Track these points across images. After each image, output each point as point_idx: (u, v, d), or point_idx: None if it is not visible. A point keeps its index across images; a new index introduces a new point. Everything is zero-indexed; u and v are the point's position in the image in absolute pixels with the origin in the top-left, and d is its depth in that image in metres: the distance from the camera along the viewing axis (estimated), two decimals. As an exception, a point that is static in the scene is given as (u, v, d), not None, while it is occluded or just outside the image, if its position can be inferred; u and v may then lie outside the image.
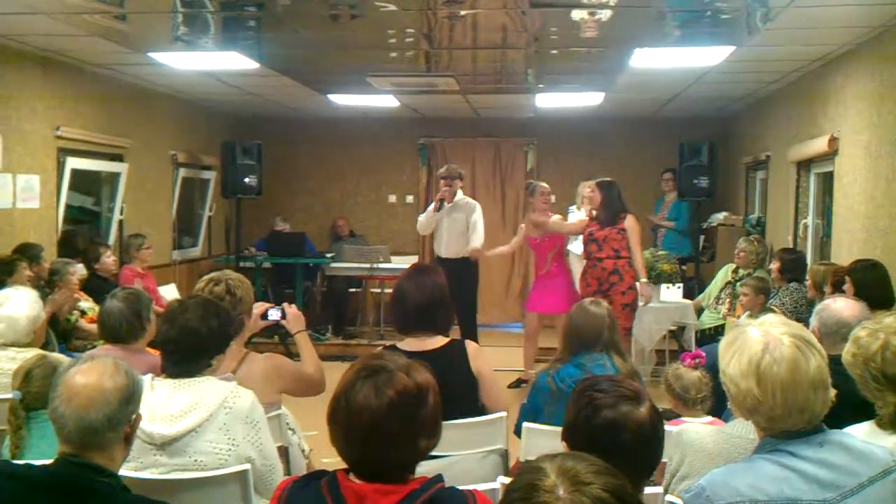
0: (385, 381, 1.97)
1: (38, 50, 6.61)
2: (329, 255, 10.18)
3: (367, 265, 9.74)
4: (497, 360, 7.11)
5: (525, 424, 3.57)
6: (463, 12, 5.42)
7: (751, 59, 6.73)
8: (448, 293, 3.63)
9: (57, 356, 3.32)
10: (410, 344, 3.50)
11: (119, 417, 2.23)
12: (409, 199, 11.56)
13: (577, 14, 5.37)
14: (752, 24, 5.58)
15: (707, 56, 6.55)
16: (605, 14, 5.37)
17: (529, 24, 5.83)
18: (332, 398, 2.04)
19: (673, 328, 8.31)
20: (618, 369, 3.60)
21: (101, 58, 6.99)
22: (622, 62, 6.86)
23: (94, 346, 6.29)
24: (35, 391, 3.09)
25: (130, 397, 2.26)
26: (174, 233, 9.45)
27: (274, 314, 3.94)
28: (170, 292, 8.07)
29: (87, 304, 6.42)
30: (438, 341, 3.55)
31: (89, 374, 2.23)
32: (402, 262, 10.37)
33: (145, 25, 6.02)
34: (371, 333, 10.21)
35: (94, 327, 6.30)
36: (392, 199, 11.56)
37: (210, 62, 7.06)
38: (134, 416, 2.29)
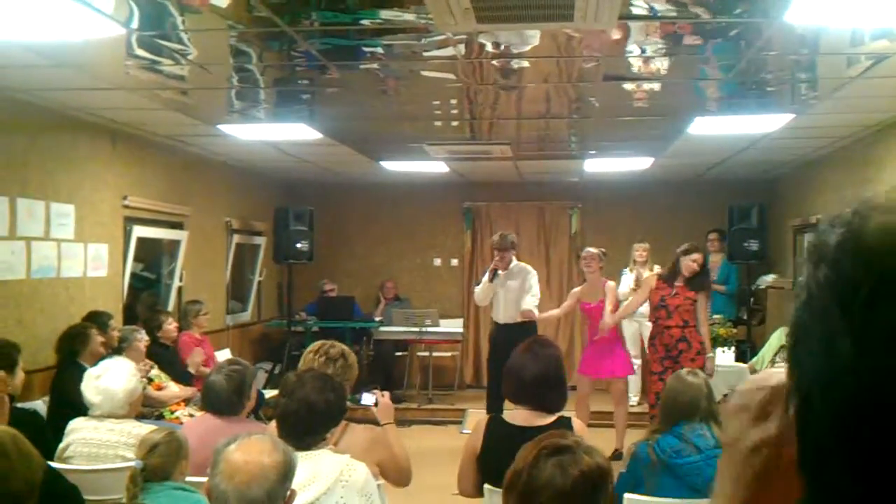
0: (570, 460, 2.01)
1: (109, 122, 6.78)
2: (378, 320, 10.25)
3: (416, 329, 9.79)
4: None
5: (626, 496, 3.58)
6: (527, 84, 5.55)
7: (807, 125, 6.81)
8: (563, 369, 3.66)
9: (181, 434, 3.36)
10: (520, 416, 3.52)
11: (278, 493, 2.29)
12: (454, 262, 11.60)
13: (646, 85, 5.49)
14: (820, 93, 5.67)
15: (766, 123, 6.64)
16: (673, 85, 5.49)
17: (598, 95, 5.95)
18: (510, 472, 2.08)
19: (726, 392, 8.28)
20: (717, 439, 3.62)
21: (169, 129, 7.18)
22: (681, 129, 6.97)
23: (161, 414, 6.41)
24: (155, 464, 3.14)
25: (287, 473, 2.32)
26: (228, 298, 9.56)
27: (367, 399, 3.79)
28: (225, 357, 8.12)
29: (153, 371, 6.50)
30: (547, 418, 3.56)
31: (248, 452, 2.30)
32: (450, 326, 10.47)
33: (212, 101, 6.22)
34: (420, 397, 10.19)
35: (161, 394, 6.42)
36: (437, 262, 11.61)
37: (275, 133, 7.23)
38: (289, 493, 2.35)
